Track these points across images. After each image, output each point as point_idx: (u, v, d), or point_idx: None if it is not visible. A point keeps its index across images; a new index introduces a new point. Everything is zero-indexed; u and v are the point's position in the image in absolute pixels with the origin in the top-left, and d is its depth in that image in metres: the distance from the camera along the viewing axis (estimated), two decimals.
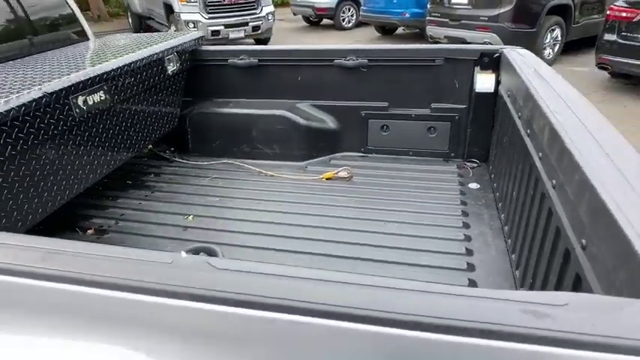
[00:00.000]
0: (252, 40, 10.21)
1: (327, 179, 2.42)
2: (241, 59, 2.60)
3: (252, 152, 2.65)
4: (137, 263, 0.70)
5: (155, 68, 2.32)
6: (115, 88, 2.03)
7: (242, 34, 9.40)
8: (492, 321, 0.51)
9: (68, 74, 1.81)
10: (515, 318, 0.52)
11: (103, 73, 1.93)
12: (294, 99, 2.65)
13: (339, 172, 2.45)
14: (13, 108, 1.52)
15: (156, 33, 2.81)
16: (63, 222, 2.07)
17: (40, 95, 1.62)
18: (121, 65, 2.03)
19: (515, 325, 0.50)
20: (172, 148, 2.85)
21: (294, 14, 12.51)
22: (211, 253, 1.59)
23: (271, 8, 9.82)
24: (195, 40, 2.66)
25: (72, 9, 2.65)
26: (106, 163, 2.09)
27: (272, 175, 2.48)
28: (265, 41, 10.26)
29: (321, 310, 0.54)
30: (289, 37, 11.22)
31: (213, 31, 9.06)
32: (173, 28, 9.57)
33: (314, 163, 2.60)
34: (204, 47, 2.73)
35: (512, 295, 0.56)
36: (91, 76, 1.86)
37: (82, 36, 2.71)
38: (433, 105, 2.50)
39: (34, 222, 1.69)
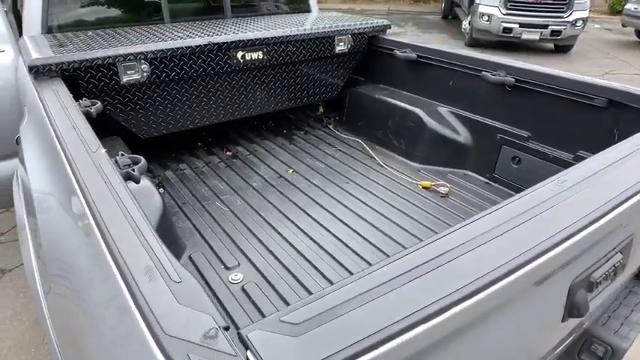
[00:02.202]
0: (549, 45, 9.24)
1: (423, 187, 2.36)
2: (403, 52, 2.69)
3: (383, 140, 2.77)
4: None
5: (322, 44, 2.70)
6: (275, 52, 2.54)
7: (537, 37, 8.64)
8: None
9: (239, 33, 2.40)
10: None
11: (263, 38, 2.45)
12: (438, 101, 2.58)
13: (438, 185, 2.34)
14: (189, 46, 2.22)
15: (352, 16, 3.15)
16: (217, 139, 2.82)
17: (206, 43, 2.27)
18: (281, 35, 2.50)
19: None
20: (337, 117, 3.24)
21: (624, 26, 10.42)
22: None
23: (584, 14, 8.54)
24: (375, 27, 2.89)
25: None
26: (255, 107, 2.68)
27: (381, 165, 2.57)
28: (565, 49, 9.11)
29: None
30: (601, 50, 9.51)
31: (505, 28, 8.67)
32: (469, 18, 9.61)
33: (430, 170, 2.53)
34: (383, 36, 2.92)
35: None
36: (251, 38, 2.41)
37: (305, 8, 3.31)
38: (580, 152, 2.02)
39: (183, 128, 2.44)
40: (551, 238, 0.89)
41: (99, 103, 1.76)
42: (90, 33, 2.40)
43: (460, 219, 2.10)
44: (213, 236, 1.96)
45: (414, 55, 2.64)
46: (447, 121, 2.51)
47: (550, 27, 8.45)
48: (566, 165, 2.05)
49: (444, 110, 2.55)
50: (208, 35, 2.31)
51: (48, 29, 2.43)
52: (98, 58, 2.01)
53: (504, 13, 8.66)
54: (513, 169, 2.28)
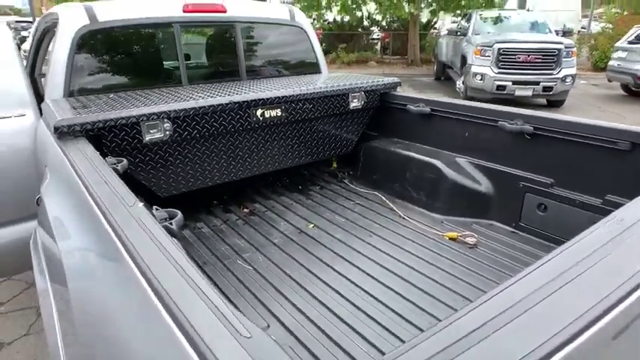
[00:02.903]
0: (542, 101, 9.57)
1: (450, 239, 2.30)
2: (416, 106, 2.74)
3: (401, 192, 2.75)
4: None
5: (337, 101, 2.76)
6: (292, 109, 2.58)
7: (529, 93, 8.98)
8: None
9: (255, 94, 2.45)
10: None
11: (282, 96, 2.50)
12: (455, 152, 2.59)
13: (465, 235, 2.28)
14: (211, 105, 2.26)
15: (363, 75, 3.26)
16: (233, 196, 2.79)
17: (227, 101, 2.31)
18: (299, 93, 2.56)
19: None
20: (350, 172, 3.24)
21: (610, 80, 10.87)
22: None
23: (572, 71, 8.94)
24: (387, 84, 2.97)
25: (315, 52, 3.40)
26: (273, 163, 2.68)
27: (403, 218, 2.53)
28: (558, 104, 9.42)
29: None
30: (592, 104, 9.85)
31: (498, 86, 9.03)
32: (462, 78, 10.02)
33: (453, 222, 2.48)
34: (394, 92, 3.00)
35: None
36: (270, 96, 2.46)
37: (315, 70, 3.43)
38: (609, 197, 2.00)
39: (203, 185, 2.41)
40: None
41: (124, 161, 1.75)
42: (112, 95, 2.45)
43: (493, 270, 2.03)
44: (238, 296, 1.87)
45: (427, 109, 2.69)
46: (466, 172, 2.51)
47: (542, 83, 8.80)
48: (597, 210, 2.02)
49: (462, 161, 2.55)
50: (227, 95, 2.36)
51: (70, 93, 2.48)
52: (122, 118, 2.02)
53: (496, 72, 9.05)
54: (539, 216, 2.24)
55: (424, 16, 17.08)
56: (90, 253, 1.17)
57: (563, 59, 8.80)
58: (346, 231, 2.38)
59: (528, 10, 11.07)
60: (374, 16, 18.57)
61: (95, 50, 2.58)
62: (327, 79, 3.06)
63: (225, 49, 3.03)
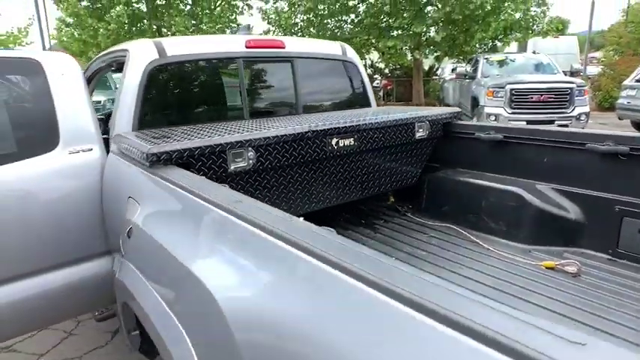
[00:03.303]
0: None
1: (546, 267, 2.16)
2: (487, 134, 2.69)
3: (476, 223, 2.63)
4: None
5: (404, 131, 2.71)
6: (364, 138, 2.52)
7: None
8: None
9: (331, 122, 2.39)
10: None
11: (356, 125, 2.44)
12: (535, 179, 2.51)
13: (564, 264, 2.14)
14: (292, 133, 2.19)
15: (420, 107, 3.23)
16: None
17: (307, 130, 2.25)
18: (372, 122, 2.50)
19: None
20: (410, 205, 3.13)
21: (620, 119, 11.04)
22: None
23: (585, 109, 9.07)
24: (450, 114, 2.94)
25: (365, 86, 3.41)
26: (343, 194, 2.57)
27: (488, 249, 2.40)
28: None
29: None
30: None
31: None
32: (474, 119, 10.15)
33: (541, 251, 2.35)
34: (457, 122, 2.96)
35: None
36: (346, 125, 2.40)
37: (366, 104, 3.42)
38: None
39: None
40: None
41: (227, 185, 1.65)
42: (184, 128, 2.39)
43: (608, 298, 1.88)
44: None
45: (499, 136, 2.63)
46: (550, 198, 2.41)
47: (556, 122, 8.89)
48: None
49: (543, 187, 2.46)
50: (292, 127, 2.29)
51: (139, 126, 2.42)
52: (211, 146, 1.94)
53: (510, 112, 9.17)
54: None
55: (426, 63, 17.62)
56: (262, 284, 1.01)
57: (576, 98, 8.95)
58: (434, 264, 2.24)
59: (535, 53, 11.39)
60: (377, 64, 19.15)
61: (164, 84, 2.55)
62: (386, 111, 3.03)
63: (283, 84, 3.01)
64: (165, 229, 1.46)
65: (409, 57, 14.80)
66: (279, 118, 2.72)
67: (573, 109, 8.95)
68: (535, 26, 12.47)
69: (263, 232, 1.02)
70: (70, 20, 15.66)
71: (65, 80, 2.37)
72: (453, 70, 15.84)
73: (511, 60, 11.46)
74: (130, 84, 2.42)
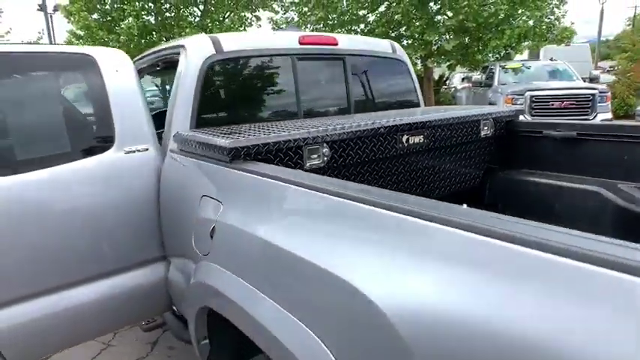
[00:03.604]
0: None
1: None
2: (558, 131, 2.55)
3: None
4: None
5: (470, 128, 2.57)
6: (433, 136, 2.39)
7: None
8: None
9: (401, 119, 2.26)
10: None
11: (426, 121, 2.31)
12: (616, 179, 2.36)
13: None
14: (366, 129, 2.06)
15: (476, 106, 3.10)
16: None
17: (378, 126, 2.11)
18: (442, 118, 2.38)
19: None
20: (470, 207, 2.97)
21: None
22: None
23: (608, 115, 8.98)
24: (512, 112, 2.81)
25: (415, 85, 3.30)
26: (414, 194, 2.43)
27: None
28: None
29: None
30: None
31: None
32: None
33: None
34: (519, 120, 2.83)
35: None
36: (417, 121, 2.27)
37: (416, 104, 3.30)
38: None
39: None
40: None
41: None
42: (245, 126, 2.26)
43: None
44: None
45: (573, 134, 2.50)
46: (637, 199, 2.26)
47: None
48: None
49: (626, 187, 2.31)
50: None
51: (197, 124, 2.30)
52: (289, 141, 1.81)
53: (530, 119, 9.05)
54: None
55: (436, 73, 17.58)
56: (438, 281, 0.87)
57: (598, 104, 8.85)
58: None
59: (552, 60, 11.32)
60: None
61: (220, 81, 2.43)
62: (449, 108, 2.91)
63: (335, 83, 2.89)
64: (274, 227, 1.32)
65: (419, 66, 14.75)
66: (333, 118, 2.59)
67: (595, 116, 8.84)
68: (549, 34, 12.42)
69: (434, 222, 0.89)
70: (81, 33, 15.70)
71: (120, 77, 2.25)
72: (464, 79, 15.81)
73: (527, 67, 11.39)
74: (186, 81, 2.30)
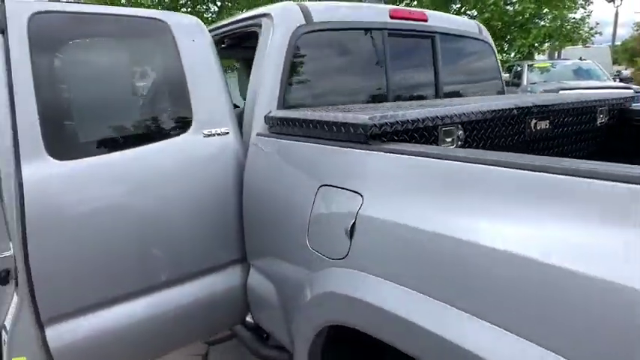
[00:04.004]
0: None
1: None
2: None
3: None
4: None
5: (588, 115, 2.24)
6: (557, 122, 2.05)
7: None
8: None
9: (531, 101, 1.93)
10: None
11: (552, 104, 1.98)
12: None
13: None
14: (502, 109, 1.73)
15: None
16: None
17: (512, 107, 1.78)
18: (568, 102, 2.05)
19: None
20: None
21: None
22: None
23: None
24: (625, 98, 2.48)
25: (499, 70, 2.97)
26: None
27: None
28: None
29: None
30: None
31: None
32: None
33: None
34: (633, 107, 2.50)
35: None
36: (547, 104, 1.94)
37: (501, 90, 2.98)
38: None
39: None
40: None
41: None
42: (345, 106, 1.94)
43: None
44: None
45: None
46: None
47: None
48: None
49: None
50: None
51: (285, 105, 1.97)
52: (428, 119, 1.48)
53: None
54: None
55: None
56: None
57: (634, 104, 8.49)
58: None
59: (581, 59, 10.98)
60: None
61: (309, 56, 2.10)
62: (546, 94, 2.58)
63: (424, 63, 2.56)
64: (456, 219, 0.99)
65: None
66: (428, 103, 2.26)
67: None
68: (575, 34, 12.10)
69: None
70: None
71: (196, 47, 1.93)
72: None
73: (553, 67, 11.06)
74: (273, 54, 1.97)
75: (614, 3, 28.48)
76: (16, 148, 1.51)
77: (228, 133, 1.94)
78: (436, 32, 2.54)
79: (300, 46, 2.02)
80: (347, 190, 1.32)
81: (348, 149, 1.37)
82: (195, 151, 1.87)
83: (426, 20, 2.50)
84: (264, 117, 1.85)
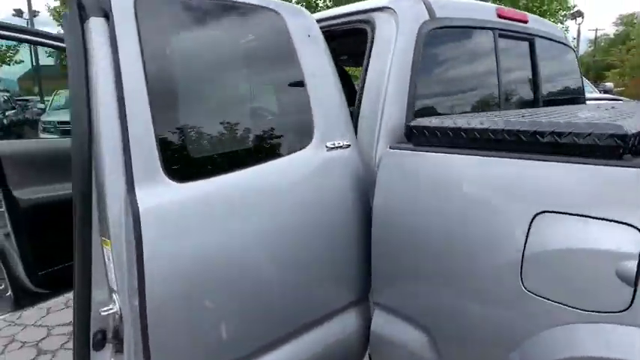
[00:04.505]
0: None
1: None
2: None
3: None
4: None
5: None
6: None
7: None
8: None
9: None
10: None
11: None
12: None
13: None
14: None
15: None
16: None
17: None
18: None
19: None
20: None
21: None
22: None
23: None
24: None
25: (582, 79, 2.80)
26: None
27: None
28: None
29: None
30: None
31: None
32: None
33: None
34: None
35: None
36: None
37: (583, 101, 2.80)
38: None
39: None
40: None
41: None
42: (469, 115, 1.67)
43: None
44: None
45: None
46: None
47: None
48: None
49: None
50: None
51: (414, 113, 1.68)
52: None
53: None
54: None
55: None
56: None
57: None
58: None
59: None
60: None
61: (434, 57, 1.81)
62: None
63: (525, 66, 2.33)
64: None
65: None
66: (531, 110, 2.02)
67: None
68: None
69: None
70: None
71: (312, 45, 1.61)
72: None
73: None
74: (399, 55, 1.67)
75: (576, 21, 29.87)
76: (127, 169, 1.14)
77: (349, 145, 1.62)
78: (535, 35, 2.32)
79: (426, 45, 1.73)
80: (607, 220, 1.02)
81: (599, 167, 1.07)
82: (318, 169, 1.54)
83: (526, 22, 2.27)
84: (406, 126, 1.55)
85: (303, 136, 1.53)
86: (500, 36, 2.09)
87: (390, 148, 1.57)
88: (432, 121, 1.47)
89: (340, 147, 1.59)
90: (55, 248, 1.98)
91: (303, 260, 1.47)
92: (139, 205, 1.12)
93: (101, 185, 1.15)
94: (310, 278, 1.51)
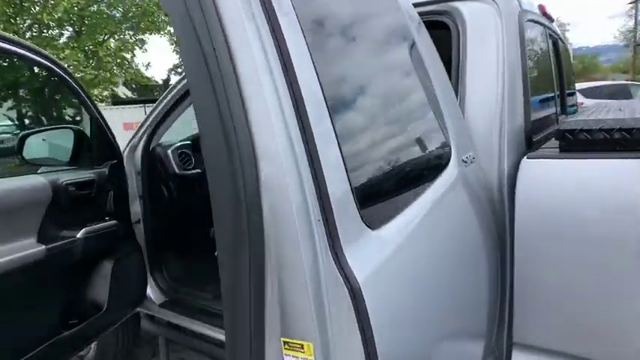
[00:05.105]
0: None
1: None
2: None
3: None
4: None
5: None
6: None
7: None
8: None
9: None
10: None
11: None
12: None
13: None
14: None
15: None
16: None
17: None
18: None
19: None
20: None
21: None
22: None
23: None
24: None
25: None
26: None
27: None
28: None
29: None
30: None
31: None
32: None
33: None
34: None
35: None
36: None
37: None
38: None
39: None
40: None
41: None
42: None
43: None
44: None
45: None
46: None
47: None
48: None
49: None
50: None
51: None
52: None
53: None
54: None
55: None
56: None
57: None
58: None
59: None
60: None
61: (529, 52, 1.63)
62: None
63: (552, 64, 2.28)
64: None
65: None
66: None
67: None
68: None
69: None
70: None
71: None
72: None
73: None
74: (508, 52, 1.45)
75: None
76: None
77: (474, 158, 1.35)
78: (558, 35, 2.30)
79: (524, 40, 1.54)
80: None
81: None
82: (459, 188, 1.24)
83: (553, 21, 2.24)
84: (559, 132, 1.32)
85: (444, 151, 1.23)
86: (550, 35, 2.02)
87: (528, 157, 1.34)
88: (588, 122, 1.27)
89: (472, 161, 1.32)
90: None
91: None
92: (355, 275, 0.72)
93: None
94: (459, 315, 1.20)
